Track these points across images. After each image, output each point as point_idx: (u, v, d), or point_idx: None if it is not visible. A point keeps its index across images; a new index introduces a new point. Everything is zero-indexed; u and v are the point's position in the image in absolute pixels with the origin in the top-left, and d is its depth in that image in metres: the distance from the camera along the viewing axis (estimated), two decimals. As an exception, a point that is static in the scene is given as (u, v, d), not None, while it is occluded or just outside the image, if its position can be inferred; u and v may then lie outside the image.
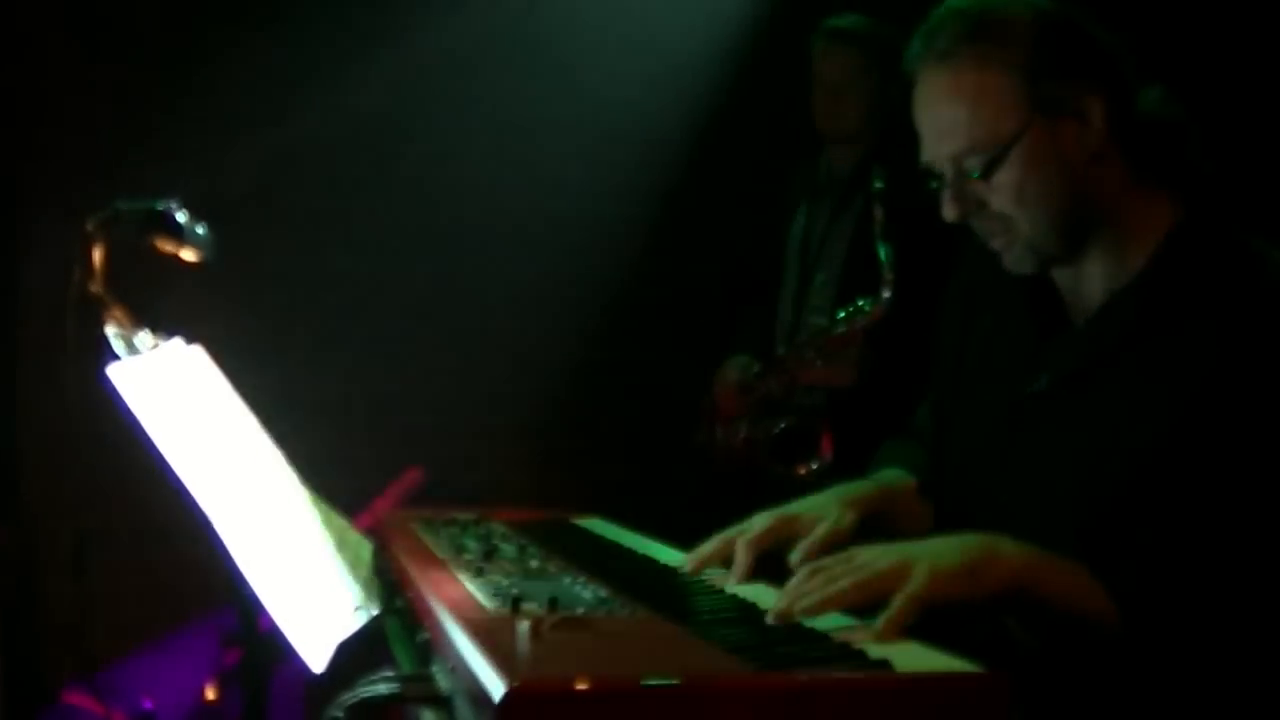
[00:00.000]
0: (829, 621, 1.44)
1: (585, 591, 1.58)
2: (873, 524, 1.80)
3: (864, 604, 1.43)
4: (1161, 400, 1.59)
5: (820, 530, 1.72)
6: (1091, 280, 1.74)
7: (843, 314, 3.32)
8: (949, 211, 1.74)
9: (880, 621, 1.38)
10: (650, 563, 1.93)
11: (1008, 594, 1.49)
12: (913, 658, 1.25)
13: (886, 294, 3.13)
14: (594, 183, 4.49)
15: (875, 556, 1.48)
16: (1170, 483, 1.56)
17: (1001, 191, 1.69)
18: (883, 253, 3.01)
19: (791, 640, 1.35)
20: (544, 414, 4.53)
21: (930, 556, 1.46)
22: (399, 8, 4.31)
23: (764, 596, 1.61)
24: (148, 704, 2.94)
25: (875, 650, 1.25)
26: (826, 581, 1.46)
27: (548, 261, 4.49)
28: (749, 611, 1.52)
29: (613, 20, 4.36)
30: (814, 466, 3.39)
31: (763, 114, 4.24)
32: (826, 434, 3.42)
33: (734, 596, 1.62)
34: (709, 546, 1.80)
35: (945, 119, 1.71)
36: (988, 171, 1.68)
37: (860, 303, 3.25)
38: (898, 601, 1.40)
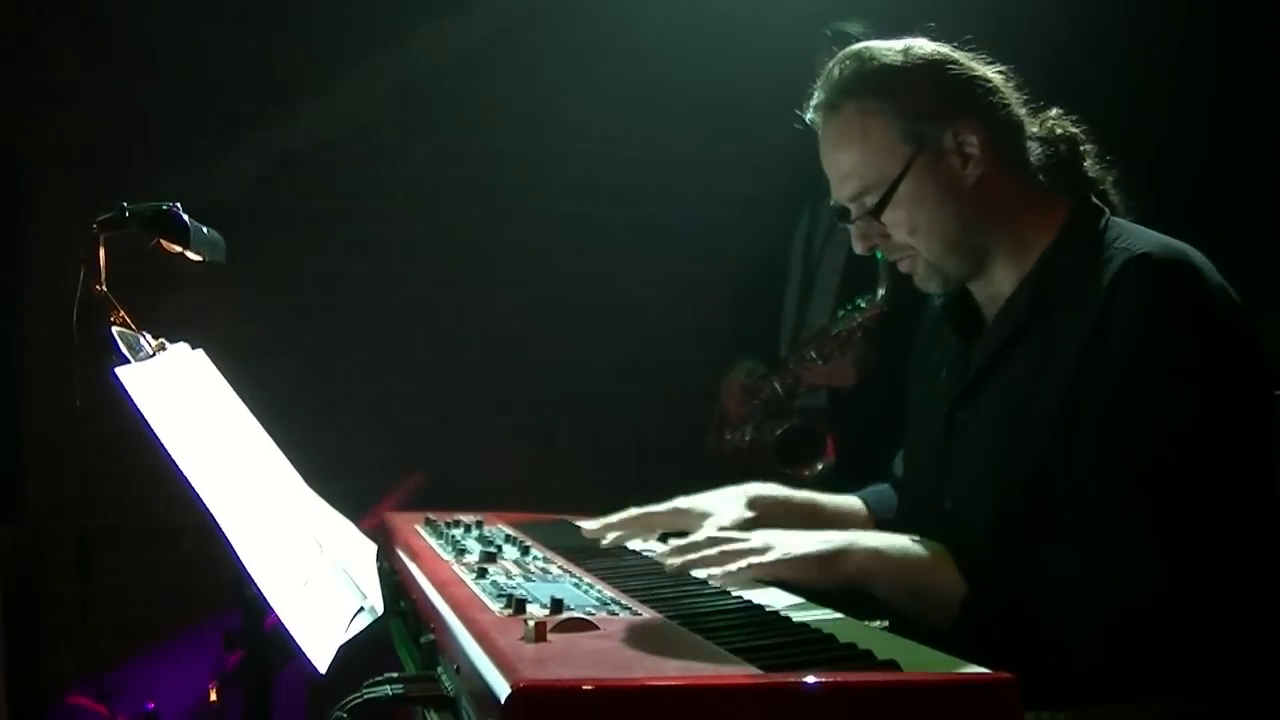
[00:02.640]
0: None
1: (588, 593, 1.59)
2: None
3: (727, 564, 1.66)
4: (1053, 373, 1.70)
5: (707, 526, 1.91)
6: (999, 284, 1.86)
7: (841, 313, 3.34)
8: (857, 246, 1.89)
9: (720, 571, 1.65)
10: (654, 565, 1.93)
11: (855, 583, 1.68)
12: (920, 659, 1.25)
13: (883, 292, 3.16)
14: (599, 184, 4.49)
15: (750, 536, 1.72)
16: (1066, 442, 1.67)
17: (896, 225, 1.83)
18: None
19: (797, 641, 1.35)
20: (547, 416, 4.53)
21: (790, 544, 1.68)
22: (402, 9, 4.31)
23: (770, 598, 1.61)
24: (150, 705, 2.94)
25: (883, 651, 1.25)
26: (707, 546, 1.71)
27: (551, 263, 4.49)
28: (755, 613, 1.53)
29: (613, 19, 4.36)
30: (818, 467, 3.42)
31: (765, 115, 4.23)
32: (829, 435, 3.44)
33: (739, 598, 1.62)
34: (617, 517, 2.00)
35: (839, 165, 1.85)
36: (879, 209, 1.82)
37: (859, 301, 3.27)
38: (743, 563, 1.64)
